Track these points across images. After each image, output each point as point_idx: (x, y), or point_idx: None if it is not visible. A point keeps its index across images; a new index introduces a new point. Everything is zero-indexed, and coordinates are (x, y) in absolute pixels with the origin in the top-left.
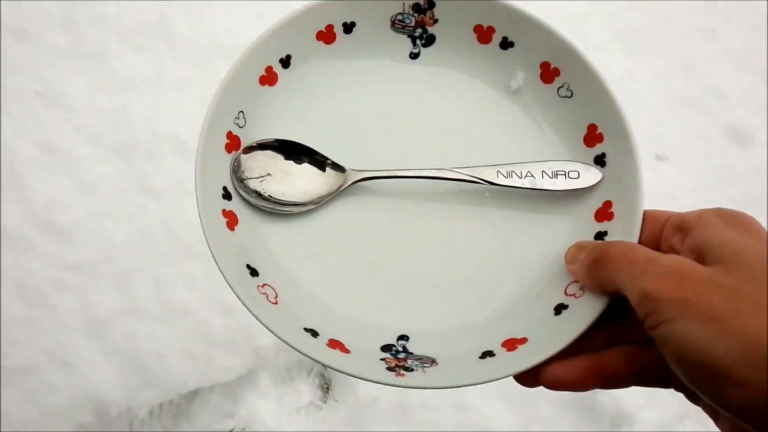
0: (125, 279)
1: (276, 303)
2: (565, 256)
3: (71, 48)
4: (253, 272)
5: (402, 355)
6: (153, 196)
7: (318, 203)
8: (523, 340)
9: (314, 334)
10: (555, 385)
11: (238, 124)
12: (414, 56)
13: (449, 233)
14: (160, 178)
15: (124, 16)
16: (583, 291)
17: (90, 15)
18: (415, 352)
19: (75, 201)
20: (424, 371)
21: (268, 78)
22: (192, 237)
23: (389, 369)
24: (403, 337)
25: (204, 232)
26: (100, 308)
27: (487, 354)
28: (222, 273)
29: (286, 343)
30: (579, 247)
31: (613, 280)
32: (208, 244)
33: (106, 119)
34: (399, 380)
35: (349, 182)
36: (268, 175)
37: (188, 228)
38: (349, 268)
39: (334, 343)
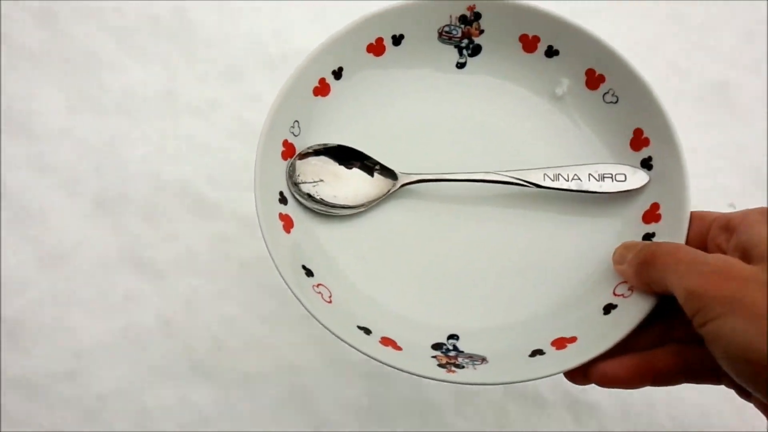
0: (94, 409)
1: (330, 302)
2: (613, 256)
3: (46, 51)
4: (309, 273)
5: (453, 353)
6: (148, 277)
7: (368, 206)
8: (573, 339)
9: (367, 331)
10: (605, 382)
11: (293, 133)
12: (461, 66)
13: (497, 235)
14: (160, 248)
15: (125, 9)
16: (632, 291)
17: (76, 7)
18: (466, 351)
19: (30, 281)
20: (475, 368)
21: (321, 89)
22: (201, 343)
23: (440, 366)
24: (453, 336)
25: (263, 235)
26: None
27: (537, 352)
28: (281, 274)
29: (341, 339)
30: (626, 247)
31: (661, 279)
32: (267, 246)
33: (87, 156)
34: (451, 377)
35: (399, 185)
36: (321, 180)
37: (196, 329)
38: (399, 268)
39: (387, 341)
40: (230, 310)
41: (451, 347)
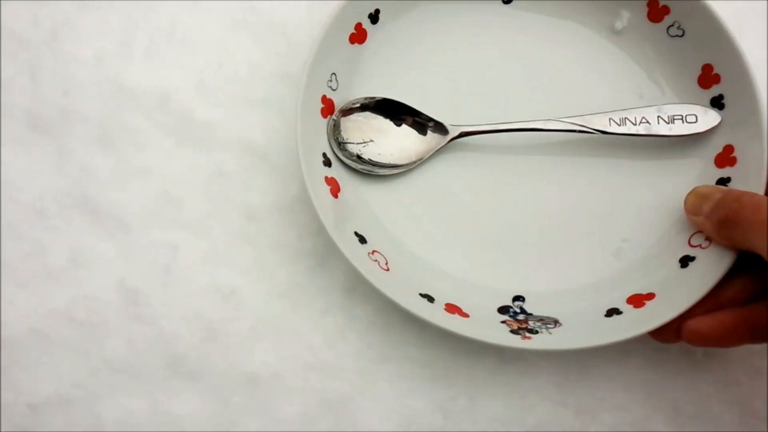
0: (23, 424)
1: (387, 270)
2: (685, 205)
3: None
4: (362, 239)
5: (521, 317)
6: (106, 231)
7: (418, 163)
8: (651, 296)
9: (430, 299)
10: (698, 341)
11: (331, 87)
12: (507, 0)
13: (558, 188)
14: (126, 189)
15: None
16: (710, 242)
17: None
18: (535, 313)
19: None
20: (550, 333)
21: (358, 36)
22: (184, 329)
23: (513, 332)
24: (518, 298)
25: (312, 201)
26: None
27: (613, 312)
28: (335, 242)
29: (404, 310)
30: (700, 195)
31: (745, 241)
32: (318, 213)
33: (17, 55)
34: (526, 343)
35: (449, 139)
36: (371, 141)
37: (177, 307)
38: (454, 229)
39: (452, 308)
40: (229, 280)
41: (518, 310)
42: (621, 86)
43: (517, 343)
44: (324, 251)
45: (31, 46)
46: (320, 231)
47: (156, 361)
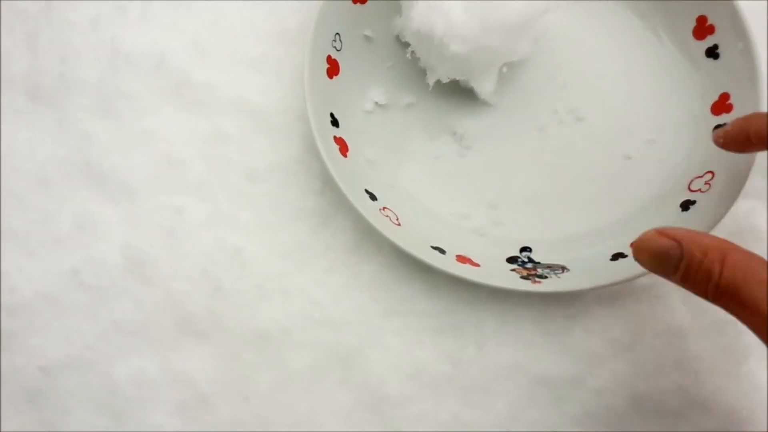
0: (36, 386)
1: (399, 225)
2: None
3: None
4: (372, 197)
5: (530, 265)
6: (111, 196)
7: None
8: None
9: (441, 251)
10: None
11: (335, 48)
12: None
13: (558, 142)
14: (128, 155)
15: None
16: (709, 186)
17: None
18: (542, 261)
19: None
20: (558, 277)
21: None
22: (192, 290)
23: (523, 278)
24: (525, 249)
25: (324, 160)
26: None
27: (619, 255)
28: (349, 198)
29: (419, 260)
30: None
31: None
32: (330, 171)
33: (16, 26)
34: (536, 287)
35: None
36: None
37: (183, 269)
38: (461, 184)
39: (463, 258)
40: (233, 240)
41: (526, 259)
42: (616, 40)
43: (528, 286)
44: (326, 210)
45: (28, 16)
46: (322, 190)
47: (165, 322)
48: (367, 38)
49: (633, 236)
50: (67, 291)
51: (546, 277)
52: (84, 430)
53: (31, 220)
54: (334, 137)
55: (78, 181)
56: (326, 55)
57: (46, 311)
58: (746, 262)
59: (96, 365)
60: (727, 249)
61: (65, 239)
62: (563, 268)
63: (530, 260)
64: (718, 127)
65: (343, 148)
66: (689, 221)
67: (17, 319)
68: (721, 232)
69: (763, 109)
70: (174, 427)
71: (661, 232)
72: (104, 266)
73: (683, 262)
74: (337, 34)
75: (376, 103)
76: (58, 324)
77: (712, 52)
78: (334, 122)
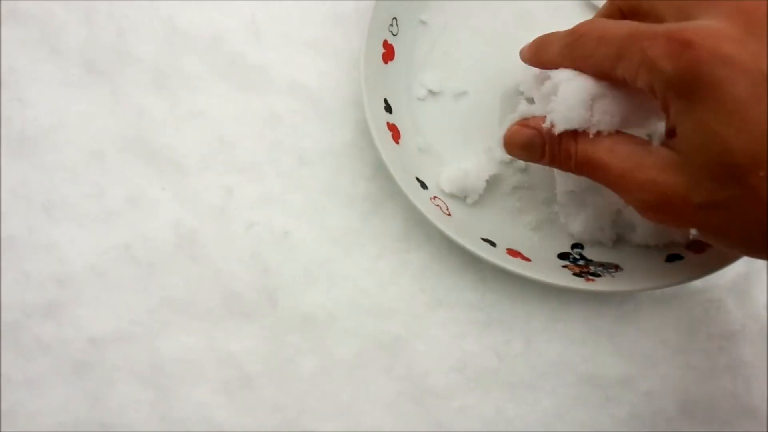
0: (84, 358)
1: (449, 215)
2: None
3: None
4: (423, 185)
5: (582, 263)
6: (161, 172)
7: None
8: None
9: (492, 244)
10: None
11: (392, 32)
12: None
13: None
14: (180, 131)
15: None
16: None
17: None
18: (595, 259)
19: None
20: (612, 276)
21: None
22: (240, 270)
23: (576, 275)
24: (577, 245)
25: (377, 146)
26: None
27: (674, 257)
28: (400, 186)
29: (469, 251)
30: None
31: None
32: (382, 158)
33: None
34: (590, 285)
35: None
36: None
37: (233, 248)
38: (515, 175)
39: (513, 252)
40: (283, 222)
41: (578, 256)
42: None
43: (582, 285)
44: (377, 197)
45: None
46: (373, 176)
47: (213, 301)
48: (423, 23)
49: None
50: (118, 265)
51: (599, 276)
52: (129, 403)
53: (83, 193)
54: (387, 123)
55: (131, 156)
56: (383, 40)
57: (96, 284)
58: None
59: (143, 340)
60: None
61: (117, 214)
62: (617, 267)
63: (582, 257)
64: None
65: (396, 134)
66: None
67: (67, 290)
68: None
69: None
70: (218, 405)
71: (522, 124)
72: (155, 242)
73: (546, 146)
74: (395, 18)
75: (430, 90)
76: (107, 297)
77: None
78: (388, 108)
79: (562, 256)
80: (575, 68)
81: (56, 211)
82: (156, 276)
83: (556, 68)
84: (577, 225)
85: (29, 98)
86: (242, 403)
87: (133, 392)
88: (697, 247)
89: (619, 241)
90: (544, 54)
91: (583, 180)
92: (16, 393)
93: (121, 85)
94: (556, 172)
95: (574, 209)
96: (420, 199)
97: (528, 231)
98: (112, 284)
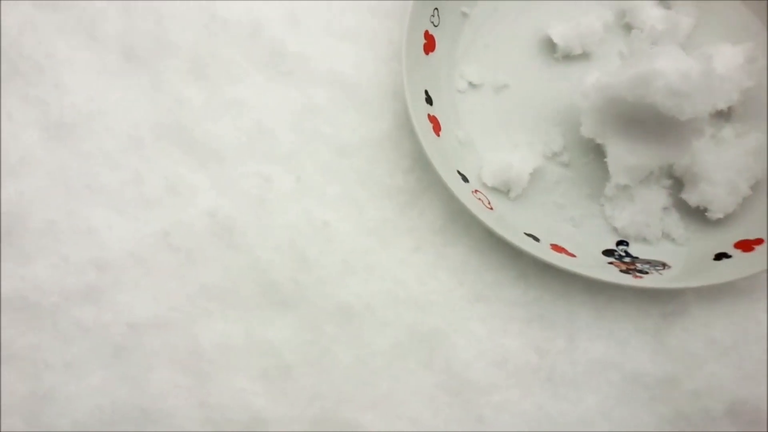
0: (122, 342)
1: (491, 209)
2: None
3: None
4: (464, 178)
5: (627, 260)
6: (200, 160)
7: None
8: (759, 241)
9: (535, 238)
10: None
11: (433, 23)
12: None
13: None
14: (218, 120)
15: None
16: None
17: None
18: (640, 257)
19: (34, 160)
20: (660, 274)
21: None
22: (277, 258)
23: (623, 272)
24: (622, 242)
25: (419, 138)
26: None
27: (722, 255)
28: (443, 178)
29: (514, 246)
30: None
31: None
32: (424, 149)
33: None
34: (638, 282)
35: None
36: None
37: (271, 236)
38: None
39: (557, 248)
40: (320, 213)
41: (623, 253)
42: None
43: (631, 281)
44: (414, 189)
45: None
46: (411, 169)
47: (251, 289)
48: (464, 14)
49: (736, 237)
50: (156, 252)
51: (647, 273)
52: (167, 389)
53: (122, 180)
54: (428, 115)
55: (170, 143)
56: (424, 30)
57: (135, 270)
58: None
59: (181, 326)
60: None
61: (156, 201)
62: (664, 265)
63: (627, 254)
64: None
65: (437, 126)
66: None
67: (106, 275)
68: None
69: None
70: (256, 393)
71: None
72: (193, 229)
73: None
74: (436, 8)
75: (470, 82)
76: (146, 283)
77: None
78: (429, 100)
79: (607, 252)
80: None
81: (95, 197)
82: (194, 263)
83: None
84: (623, 219)
85: (67, 85)
86: (280, 391)
87: (171, 378)
88: (745, 246)
89: (664, 238)
90: None
91: (639, 174)
92: (55, 376)
93: (160, 73)
94: (612, 165)
95: (621, 203)
96: (462, 192)
97: (570, 227)
98: (150, 270)
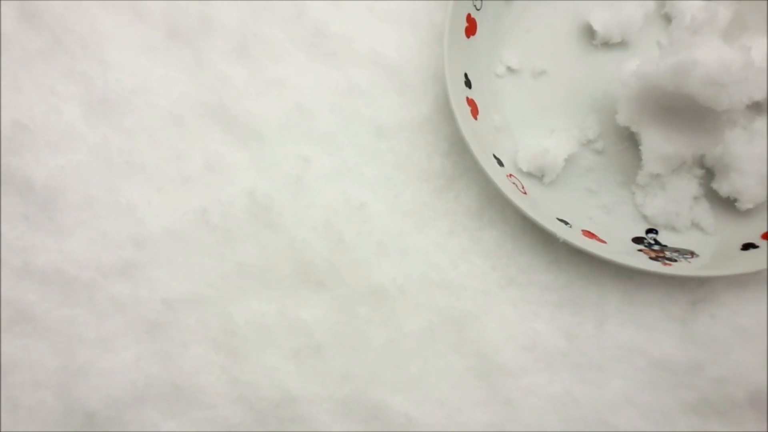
0: (157, 318)
1: (525, 193)
2: None
3: None
4: (499, 162)
5: (657, 248)
6: (240, 140)
7: None
8: None
9: (567, 224)
10: None
11: (475, 6)
12: None
13: None
14: (259, 99)
15: None
16: None
17: None
18: (669, 245)
19: (75, 137)
20: (689, 262)
21: None
22: (314, 239)
23: (652, 260)
24: (651, 231)
25: (458, 121)
26: None
27: (750, 246)
28: (479, 162)
29: (546, 230)
30: None
31: None
32: (461, 132)
33: None
34: (668, 269)
35: None
36: None
37: (307, 217)
38: (592, 157)
39: (588, 234)
40: (357, 194)
41: (652, 241)
42: None
43: (659, 268)
44: (452, 173)
45: None
46: (449, 152)
47: (286, 269)
48: None
49: (764, 228)
50: (194, 229)
51: (675, 261)
52: (201, 365)
53: (162, 157)
54: (467, 98)
55: (210, 122)
56: (466, 14)
57: (172, 247)
58: None
59: (216, 304)
60: None
61: (195, 178)
62: (692, 254)
63: (657, 242)
64: None
65: (474, 110)
66: None
67: (143, 251)
68: None
69: None
70: (288, 372)
71: None
72: (231, 208)
73: None
74: None
75: (509, 67)
76: (183, 260)
77: None
78: (468, 83)
79: (637, 240)
80: None
81: (135, 173)
82: (231, 241)
83: None
84: (654, 207)
85: (111, 61)
86: (312, 370)
87: (205, 354)
88: None
89: (693, 227)
90: None
91: (672, 164)
92: (89, 350)
93: (203, 51)
94: (645, 154)
95: (653, 191)
96: (497, 176)
97: (601, 213)
98: (187, 248)
